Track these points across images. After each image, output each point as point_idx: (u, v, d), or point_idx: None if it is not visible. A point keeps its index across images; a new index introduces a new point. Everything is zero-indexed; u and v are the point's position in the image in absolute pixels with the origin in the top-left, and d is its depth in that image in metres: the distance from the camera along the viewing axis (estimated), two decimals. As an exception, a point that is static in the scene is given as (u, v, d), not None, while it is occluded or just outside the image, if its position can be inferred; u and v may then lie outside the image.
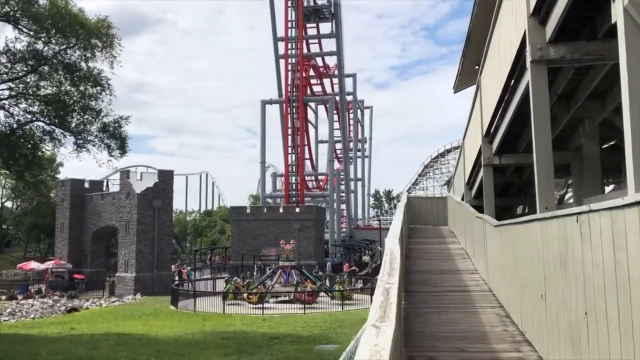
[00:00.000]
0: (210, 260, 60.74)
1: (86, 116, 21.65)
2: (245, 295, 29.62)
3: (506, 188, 12.37)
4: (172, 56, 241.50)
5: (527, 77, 5.89)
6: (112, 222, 43.52)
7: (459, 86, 20.27)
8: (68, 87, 22.03)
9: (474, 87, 20.58)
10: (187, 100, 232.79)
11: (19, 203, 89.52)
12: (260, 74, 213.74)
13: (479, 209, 11.77)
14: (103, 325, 23.13)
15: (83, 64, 21.48)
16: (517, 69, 6.51)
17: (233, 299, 30.18)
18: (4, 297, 38.05)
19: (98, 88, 21.90)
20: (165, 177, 42.35)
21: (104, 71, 21.54)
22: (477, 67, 17.69)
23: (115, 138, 22.13)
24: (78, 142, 21.42)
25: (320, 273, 40.29)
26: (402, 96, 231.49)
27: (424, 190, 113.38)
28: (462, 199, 13.87)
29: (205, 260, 63.99)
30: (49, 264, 44.34)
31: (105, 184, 61.54)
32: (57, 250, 48.48)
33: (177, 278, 42.62)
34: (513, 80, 6.84)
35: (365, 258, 51.84)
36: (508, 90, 7.24)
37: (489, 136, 9.24)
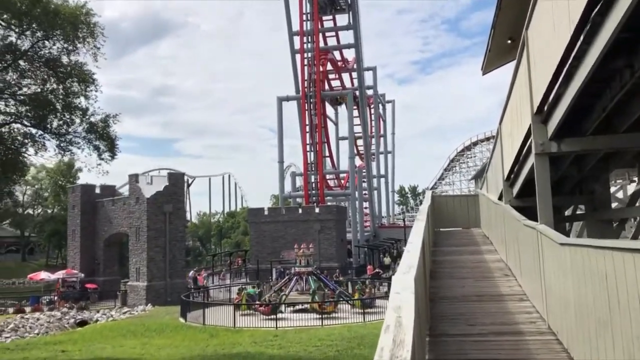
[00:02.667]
0: (229, 265, 58.62)
1: (71, 116, 19.44)
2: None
3: (557, 184, 9.68)
4: (196, 59, 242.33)
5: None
6: (123, 229, 41.65)
7: (488, 66, 17.51)
8: (54, 85, 19.94)
9: (507, 66, 17.72)
10: (211, 102, 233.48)
11: (39, 210, 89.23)
12: (283, 73, 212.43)
13: (524, 211, 9.15)
14: (99, 346, 21.00)
15: (64, 58, 19.31)
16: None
17: (245, 309, 27.90)
18: (11, 310, 36.41)
19: (83, 85, 19.71)
20: (176, 180, 40.28)
21: (87, 64, 19.39)
22: (510, 40, 14.97)
23: (104, 139, 19.94)
24: (61, 144, 19.29)
25: (340, 278, 37.85)
26: (425, 91, 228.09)
27: (450, 185, 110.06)
28: (500, 198, 11.22)
29: (227, 264, 61.77)
30: (59, 274, 42.66)
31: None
32: (69, 259, 46.90)
33: (192, 285, 40.55)
34: (593, 14, 4.26)
35: (386, 260, 48.56)
36: (582, 35, 4.65)
37: (542, 114, 6.62)
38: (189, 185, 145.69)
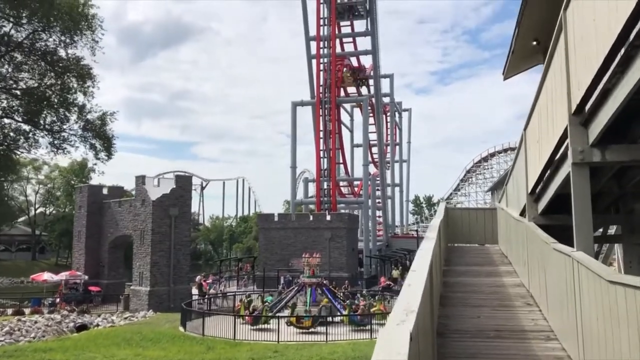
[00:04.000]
0: (237, 271, 57.44)
1: (66, 113, 18.47)
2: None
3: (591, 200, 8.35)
4: (216, 64, 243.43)
5: None
6: (128, 231, 40.71)
7: (510, 70, 16.22)
8: (52, 80, 19.02)
9: (529, 77, 16.35)
10: (230, 107, 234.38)
11: (51, 209, 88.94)
12: (302, 79, 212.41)
13: (548, 230, 7.86)
14: (89, 355, 19.92)
15: (62, 51, 18.37)
16: None
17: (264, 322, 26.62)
18: (10, 312, 35.53)
19: (81, 81, 18.76)
20: (184, 183, 39.26)
21: (84, 59, 18.44)
22: (535, 42, 13.65)
23: (101, 138, 18.95)
24: (55, 142, 18.32)
25: (348, 289, 36.43)
26: (443, 101, 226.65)
27: (466, 196, 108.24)
28: (522, 214, 9.92)
29: (236, 270, 60.53)
30: (63, 275, 41.81)
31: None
32: (74, 260, 46.08)
33: (197, 291, 39.51)
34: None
35: (395, 273, 46.28)
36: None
37: (582, 114, 5.36)
38: (203, 189, 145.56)
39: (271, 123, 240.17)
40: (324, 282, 30.24)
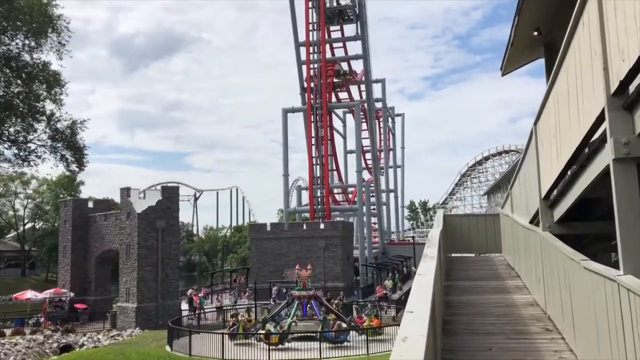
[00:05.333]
0: (230, 283, 55.98)
1: (32, 122, 17.09)
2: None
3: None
4: (208, 74, 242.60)
5: None
6: (115, 245, 39.20)
7: (508, 65, 14.93)
8: (21, 88, 17.66)
9: (519, 82, 15.09)
10: (223, 116, 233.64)
11: (40, 224, 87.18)
12: (295, 87, 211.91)
13: (563, 239, 6.60)
14: (64, 383, 18.51)
15: (26, 56, 17.02)
16: None
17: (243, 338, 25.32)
18: (-10, 333, 33.90)
19: (48, 87, 17.40)
20: (170, 195, 37.80)
21: (51, 63, 17.11)
22: (536, 32, 12.45)
23: (71, 148, 17.57)
24: (20, 153, 16.94)
25: (343, 300, 35.00)
26: (435, 106, 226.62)
27: (461, 201, 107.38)
28: (533, 221, 8.66)
29: (229, 282, 59.05)
30: (47, 293, 40.20)
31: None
32: (59, 277, 44.47)
33: (187, 306, 38.07)
34: None
35: (388, 283, 43.12)
36: None
37: (625, 94, 4.12)
38: (196, 199, 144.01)
39: (264, 131, 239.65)
40: (317, 293, 28.85)
